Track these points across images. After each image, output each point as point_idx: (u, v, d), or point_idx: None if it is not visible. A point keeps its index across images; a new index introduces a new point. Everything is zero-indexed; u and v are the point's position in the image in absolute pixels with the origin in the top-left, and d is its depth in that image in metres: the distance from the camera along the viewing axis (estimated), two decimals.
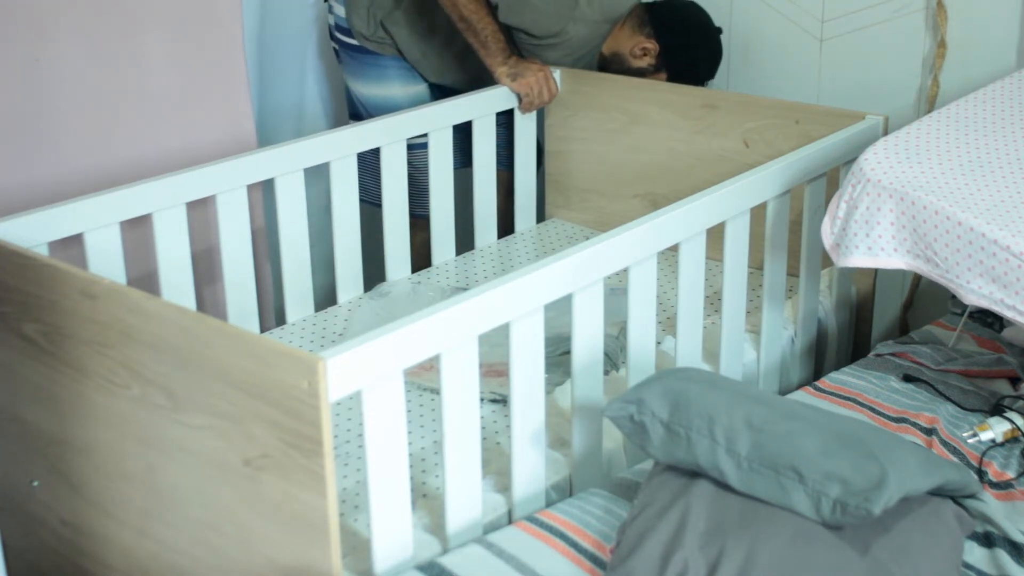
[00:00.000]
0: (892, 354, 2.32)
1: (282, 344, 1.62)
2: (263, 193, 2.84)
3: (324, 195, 2.81)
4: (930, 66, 2.72)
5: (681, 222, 2.13)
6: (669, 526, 1.64)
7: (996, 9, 2.64)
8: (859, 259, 2.09)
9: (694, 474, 1.72)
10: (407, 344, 1.70)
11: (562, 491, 2.07)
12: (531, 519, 1.84)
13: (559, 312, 2.02)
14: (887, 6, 2.79)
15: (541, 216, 3.28)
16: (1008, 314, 1.94)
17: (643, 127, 2.98)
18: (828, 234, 2.14)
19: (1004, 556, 1.73)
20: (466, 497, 1.88)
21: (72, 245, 2.26)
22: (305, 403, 1.58)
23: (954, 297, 2.29)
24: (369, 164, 2.98)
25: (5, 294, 1.98)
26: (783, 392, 2.50)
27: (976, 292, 1.96)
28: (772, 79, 2.98)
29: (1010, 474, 1.95)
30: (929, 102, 2.72)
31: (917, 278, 2.83)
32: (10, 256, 1.95)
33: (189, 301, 2.47)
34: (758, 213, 2.34)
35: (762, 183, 2.30)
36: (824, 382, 2.23)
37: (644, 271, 2.09)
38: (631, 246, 2.04)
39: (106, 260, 2.29)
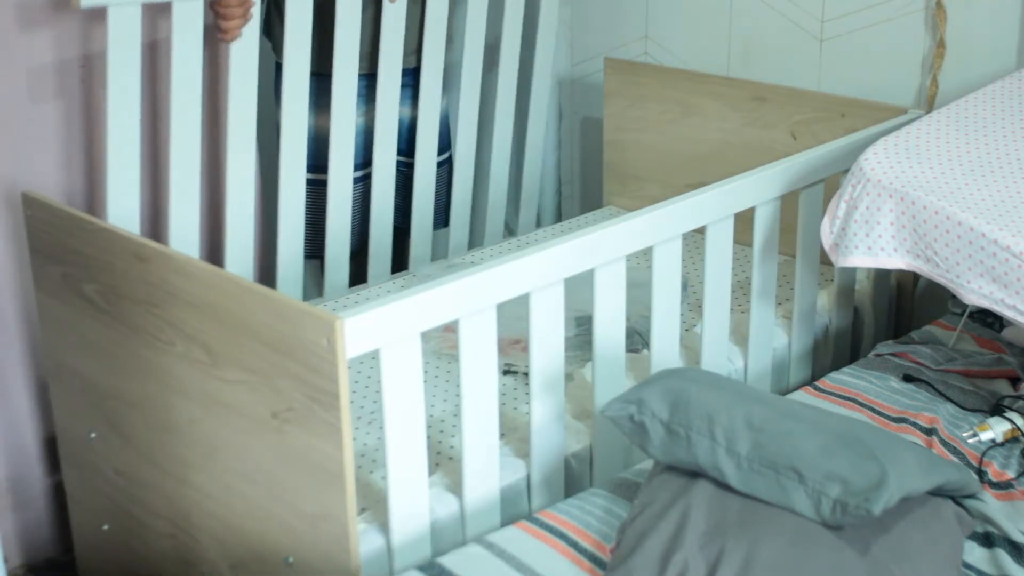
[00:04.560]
0: (892, 354, 2.29)
1: (305, 304, 1.74)
2: None
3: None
4: (929, 66, 2.71)
5: (707, 205, 2.19)
6: (669, 526, 1.64)
7: (996, 9, 2.61)
8: (859, 259, 2.10)
9: (694, 474, 1.72)
10: (425, 307, 1.80)
11: (583, 460, 2.15)
12: (531, 519, 1.85)
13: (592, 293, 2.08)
14: (887, 6, 2.76)
15: (599, 203, 3.36)
16: (1008, 314, 1.95)
17: (697, 118, 3.04)
18: (827, 234, 2.15)
19: (1004, 556, 1.71)
20: (484, 456, 1.97)
21: None
22: (324, 359, 1.69)
23: (954, 297, 2.26)
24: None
25: (68, 256, 2.13)
26: (783, 392, 2.49)
27: (976, 292, 1.97)
28: (772, 79, 2.95)
29: (1010, 474, 1.93)
30: (929, 102, 2.70)
31: (917, 278, 2.80)
32: (73, 220, 2.10)
33: None
34: (794, 202, 2.39)
35: (793, 171, 2.35)
36: (824, 382, 2.21)
37: (668, 251, 2.16)
38: (654, 225, 2.11)
39: None
